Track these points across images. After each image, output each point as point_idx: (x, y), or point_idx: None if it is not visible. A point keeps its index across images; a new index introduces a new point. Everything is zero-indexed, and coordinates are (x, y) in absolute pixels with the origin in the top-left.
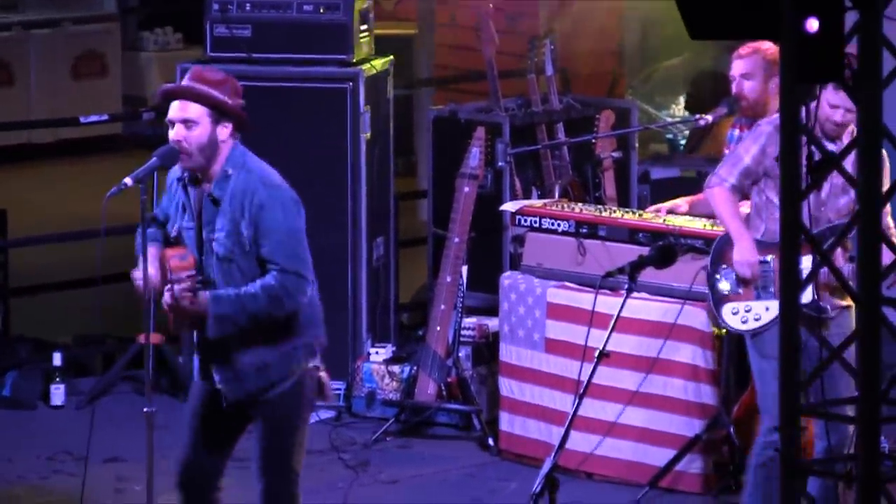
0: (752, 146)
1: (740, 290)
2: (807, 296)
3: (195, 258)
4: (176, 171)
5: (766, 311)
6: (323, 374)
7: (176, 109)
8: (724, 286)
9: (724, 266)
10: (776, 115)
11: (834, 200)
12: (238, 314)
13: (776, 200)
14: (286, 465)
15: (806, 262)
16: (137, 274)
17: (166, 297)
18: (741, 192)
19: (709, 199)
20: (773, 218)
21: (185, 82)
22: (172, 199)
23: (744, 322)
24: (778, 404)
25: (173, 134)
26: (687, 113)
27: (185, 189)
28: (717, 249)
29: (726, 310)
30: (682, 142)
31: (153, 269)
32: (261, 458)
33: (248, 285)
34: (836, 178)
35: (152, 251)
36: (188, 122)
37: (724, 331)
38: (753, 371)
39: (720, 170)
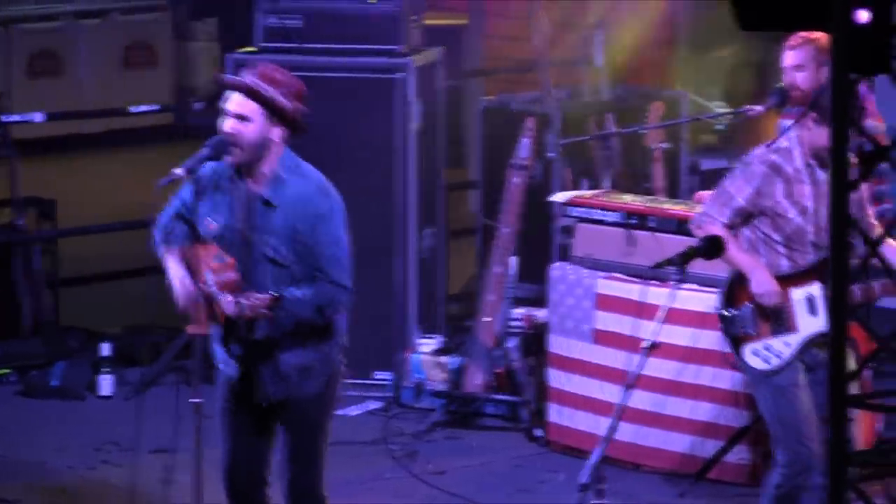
0: (744, 187)
1: (757, 329)
2: (820, 323)
3: (235, 261)
4: (215, 166)
5: (786, 346)
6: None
7: (233, 103)
8: (740, 327)
9: (737, 306)
10: (765, 151)
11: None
12: (287, 319)
13: (775, 236)
14: (313, 461)
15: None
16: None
17: (231, 307)
18: (733, 230)
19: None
20: (774, 251)
21: (249, 77)
22: (208, 198)
23: (767, 362)
24: (801, 429)
25: (226, 126)
26: (725, 104)
27: (232, 186)
28: (726, 291)
29: (747, 352)
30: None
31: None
32: (288, 456)
33: (299, 290)
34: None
35: (177, 253)
36: (242, 118)
37: None
38: (770, 404)
39: (709, 209)
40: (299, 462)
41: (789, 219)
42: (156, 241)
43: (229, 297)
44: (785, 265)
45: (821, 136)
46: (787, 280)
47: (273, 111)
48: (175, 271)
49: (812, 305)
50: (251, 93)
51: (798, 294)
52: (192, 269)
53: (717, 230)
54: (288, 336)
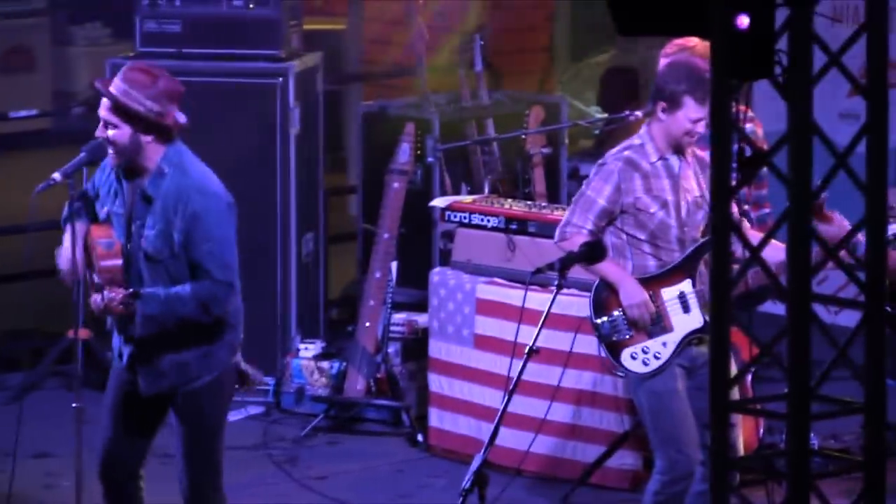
0: (603, 186)
1: (632, 333)
2: (695, 320)
3: (121, 245)
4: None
5: (663, 346)
6: (245, 365)
7: (102, 108)
8: (614, 334)
9: (609, 313)
10: (620, 150)
11: (693, 217)
12: (166, 315)
13: (640, 235)
14: (208, 459)
15: (670, 294)
16: (64, 259)
17: (96, 299)
18: (599, 236)
19: (568, 249)
20: (640, 252)
21: (114, 82)
22: (105, 182)
23: (646, 364)
24: (678, 436)
25: (99, 129)
26: (599, 109)
27: (118, 177)
28: (595, 300)
29: (625, 356)
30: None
31: (78, 251)
32: (183, 454)
33: (179, 287)
34: (689, 195)
35: (79, 228)
36: (109, 124)
37: None
38: (646, 410)
39: (573, 217)
40: (192, 460)
41: (651, 213)
42: (63, 214)
43: (95, 296)
44: (652, 265)
45: (673, 122)
46: (657, 280)
47: (135, 119)
48: (65, 247)
49: (685, 303)
50: (112, 101)
51: (669, 293)
52: (88, 250)
53: (583, 238)
54: (167, 333)
